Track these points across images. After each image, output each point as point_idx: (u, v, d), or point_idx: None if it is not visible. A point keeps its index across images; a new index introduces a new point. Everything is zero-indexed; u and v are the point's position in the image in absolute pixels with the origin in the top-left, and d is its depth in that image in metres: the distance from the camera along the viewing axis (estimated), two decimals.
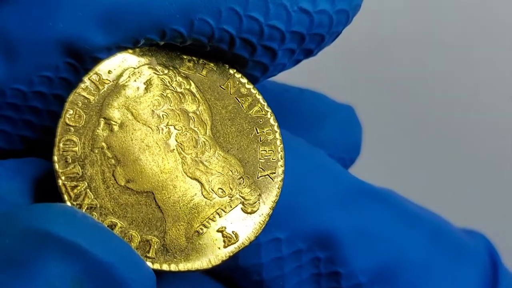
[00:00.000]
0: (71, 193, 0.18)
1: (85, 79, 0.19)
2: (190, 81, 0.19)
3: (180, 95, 0.19)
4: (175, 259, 0.18)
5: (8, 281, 0.15)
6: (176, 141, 0.19)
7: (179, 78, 0.19)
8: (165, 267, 0.18)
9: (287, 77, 0.24)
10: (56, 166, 0.18)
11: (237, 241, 0.18)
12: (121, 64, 0.19)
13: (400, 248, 0.21)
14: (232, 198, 0.19)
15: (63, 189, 0.18)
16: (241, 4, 0.18)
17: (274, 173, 0.19)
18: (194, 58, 0.20)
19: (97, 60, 0.19)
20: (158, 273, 0.18)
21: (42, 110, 0.20)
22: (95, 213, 0.18)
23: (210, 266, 0.18)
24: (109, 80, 0.19)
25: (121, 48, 0.19)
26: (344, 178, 0.21)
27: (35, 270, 0.15)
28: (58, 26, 0.18)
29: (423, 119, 0.40)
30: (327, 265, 0.20)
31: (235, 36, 0.19)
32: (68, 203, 0.18)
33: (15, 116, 0.20)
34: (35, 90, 0.19)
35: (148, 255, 0.18)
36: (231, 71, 0.20)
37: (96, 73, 0.19)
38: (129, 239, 0.18)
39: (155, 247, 0.18)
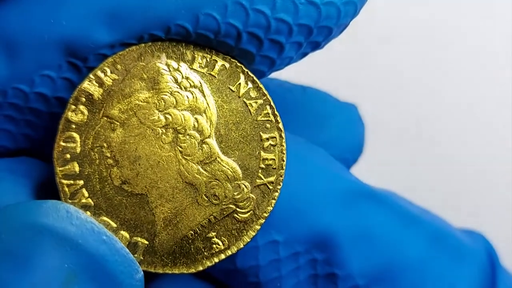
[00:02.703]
0: (68, 191, 0.18)
1: (91, 75, 0.18)
2: (199, 80, 0.19)
3: (187, 95, 0.19)
4: (162, 262, 0.18)
5: (5, 274, 0.16)
6: (176, 144, 0.18)
7: (188, 77, 0.19)
8: (151, 269, 0.18)
9: (290, 75, 0.24)
10: (55, 163, 0.18)
11: (225, 249, 0.19)
12: (128, 61, 0.18)
13: (399, 250, 0.21)
14: (226, 205, 0.19)
15: (60, 187, 0.18)
16: None
17: (273, 182, 0.19)
18: (207, 56, 0.19)
19: (100, 58, 0.18)
20: (146, 271, 0.18)
21: (44, 113, 0.19)
22: (88, 212, 0.18)
23: (195, 271, 0.18)
24: (115, 77, 0.18)
25: (124, 45, 0.18)
26: (343, 180, 0.21)
27: (31, 262, 0.16)
28: (61, 24, 0.18)
29: (427, 119, 0.40)
30: (324, 267, 0.20)
31: (241, 30, 0.18)
32: (63, 200, 0.18)
33: (17, 116, 0.19)
34: (36, 91, 0.19)
35: (135, 256, 0.18)
36: (243, 72, 0.19)
37: (102, 69, 0.18)
38: (119, 238, 0.18)
39: (144, 248, 0.18)
